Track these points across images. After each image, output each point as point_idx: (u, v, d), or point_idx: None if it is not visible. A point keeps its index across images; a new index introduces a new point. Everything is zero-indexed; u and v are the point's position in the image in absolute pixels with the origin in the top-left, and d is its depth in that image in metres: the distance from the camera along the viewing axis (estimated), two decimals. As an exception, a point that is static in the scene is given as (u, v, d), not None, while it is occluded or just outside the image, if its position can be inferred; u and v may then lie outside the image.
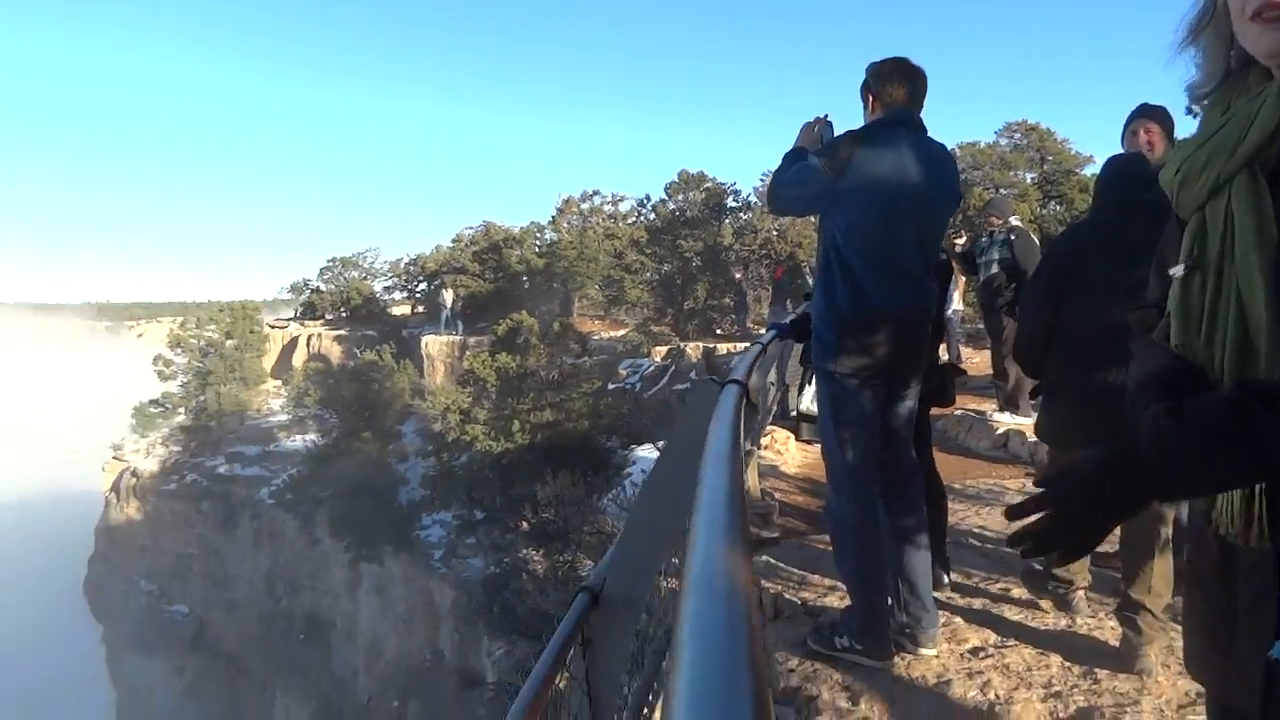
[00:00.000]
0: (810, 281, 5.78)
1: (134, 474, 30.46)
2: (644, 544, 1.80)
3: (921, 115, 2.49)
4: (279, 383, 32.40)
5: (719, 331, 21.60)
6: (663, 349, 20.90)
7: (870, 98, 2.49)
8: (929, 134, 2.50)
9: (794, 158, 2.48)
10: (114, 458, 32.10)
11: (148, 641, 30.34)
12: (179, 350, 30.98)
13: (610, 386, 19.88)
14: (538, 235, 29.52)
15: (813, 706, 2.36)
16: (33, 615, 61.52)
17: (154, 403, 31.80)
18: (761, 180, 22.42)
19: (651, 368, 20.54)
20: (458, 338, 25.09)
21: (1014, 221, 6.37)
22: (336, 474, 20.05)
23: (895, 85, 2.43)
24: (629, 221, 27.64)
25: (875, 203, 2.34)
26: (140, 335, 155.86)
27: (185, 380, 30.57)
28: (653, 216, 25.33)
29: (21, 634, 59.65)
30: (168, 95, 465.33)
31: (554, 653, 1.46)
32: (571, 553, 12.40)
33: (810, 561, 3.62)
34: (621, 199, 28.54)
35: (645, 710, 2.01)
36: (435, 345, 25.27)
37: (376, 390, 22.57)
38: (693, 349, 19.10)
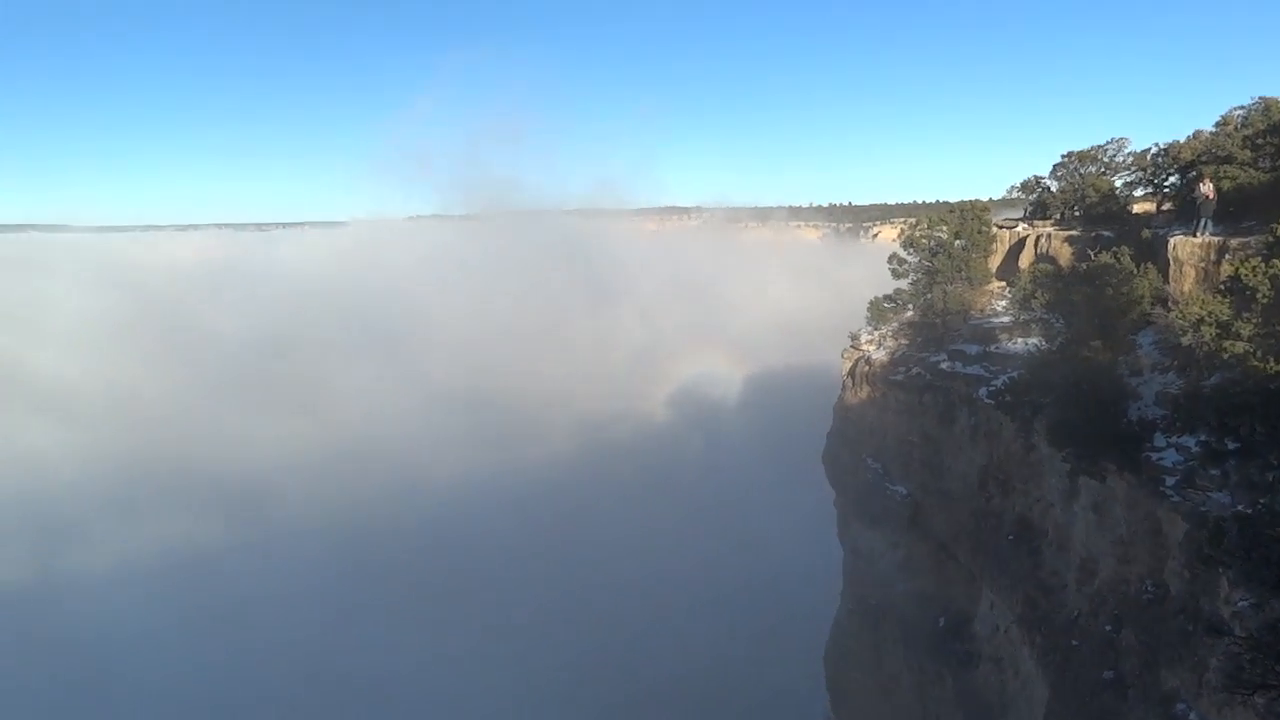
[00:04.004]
0: None
1: (867, 362, 35.47)
2: None
3: None
4: (1003, 284, 33.40)
5: None
6: None
7: None
8: None
9: None
10: (851, 346, 37.80)
11: (871, 513, 35.80)
12: (910, 250, 34.43)
13: None
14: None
15: None
16: (774, 473, 77.58)
17: (887, 298, 36.32)
18: None
19: None
20: (1215, 239, 22.05)
21: None
22: (1059, 381, 20.14)
23: None
24: None
25: None
26: (876, 236, 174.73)
27: (915, 278, 33.96)
28: None
29: (771, 489, 75.98)
30: None
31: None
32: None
33: None
34: None
35: None
36: (1185, 248, 22.63)
37: (1110, 296, 21.55)
38: None
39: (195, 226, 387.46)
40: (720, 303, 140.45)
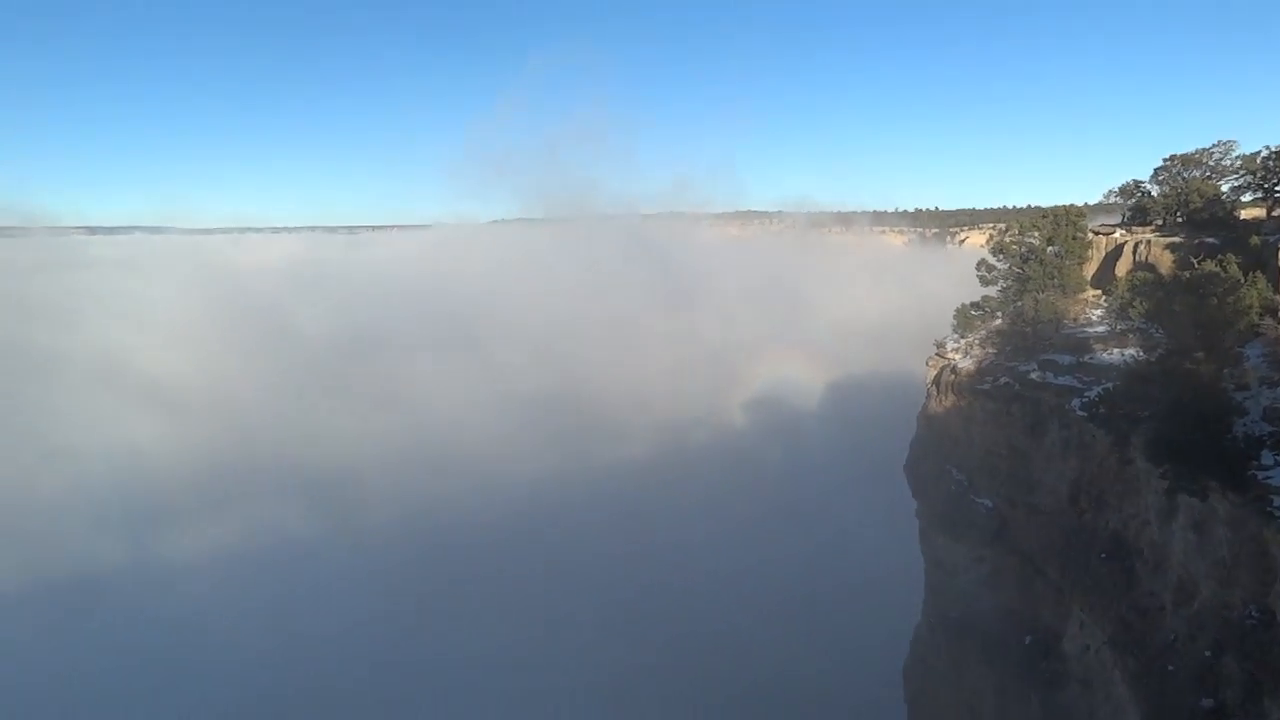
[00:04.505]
0: None
1: (953, 370, 34.73)
2: None
3: None
4: (1099, 292, 32.31)
5: None
6: None
7: None
8: None
9: None
10: (936, 354, 37.07)
11: (955, 525, 34.97)
12: (1000, 256, 33.62)
13: None
14: None
15: None
16: (854, 482, 76.44)
17: (974, 306, 35.54)
18: None
19: None
20: (1336, 245, 20.95)
21: None
22: (1158, 394, 19.47)
23: None
24: None
25: None
26: (963, 241, 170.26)
27: (1004, 285, 33.16)
28: None
29: (851, 497, 74.93)
30: None
31: None
32: None
33: None
34: None
35: None
36: (1300, 254, 21.58)
37: (1215, 306, 20.68)
38: None
39: (289, 229, 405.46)
40: (801, 308, 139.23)
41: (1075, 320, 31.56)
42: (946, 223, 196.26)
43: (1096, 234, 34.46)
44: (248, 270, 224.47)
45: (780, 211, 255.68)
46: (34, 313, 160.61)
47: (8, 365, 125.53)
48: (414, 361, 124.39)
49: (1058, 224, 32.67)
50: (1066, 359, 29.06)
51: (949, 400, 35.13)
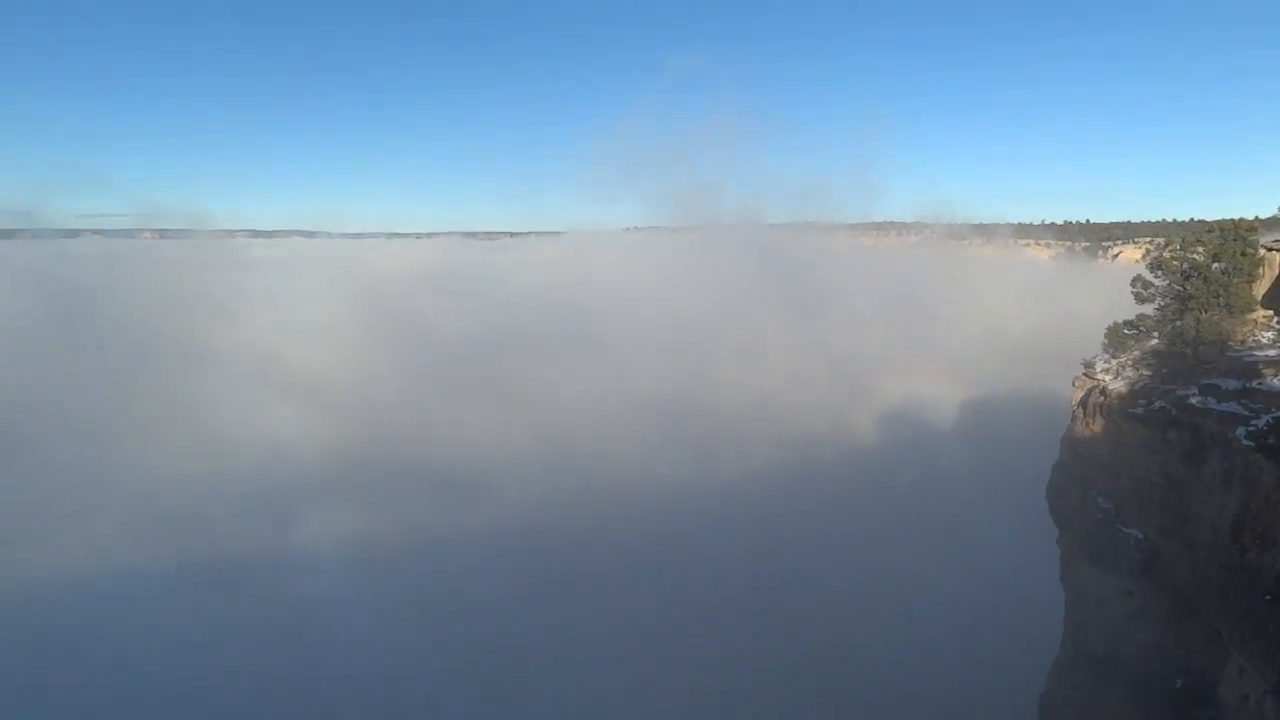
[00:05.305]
0: None
1: (1102, 392, 33.02)
2: None
3: None
4: (1270, 312, 30.04)
5: None
6: None
7: None
8: None
9: None
10: (1084, 374, 35.34)
11: (1100, 556, 33.20)
12: (1158, 272, 31.77)
13: None
14: None
15: None
16: (991, 505, 73.41)
17: (1128, 324, 33.71)
18: None
19: None
20: None
21: None
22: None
23: None
24: None
25: None
26: (1116, 256, 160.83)
27: (1162, 304, 31.32)
28: None
29: (988, 521, 72.05)
30: None
31: None
32: None
33: None
34: None
35: None
36: None
37: None
38: None
39: (433, 235, 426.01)
40: (938, 323, 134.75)
41: (1242, 342, 29.46)
42: (1098, 236, 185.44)
43: (1270, 250, 32.04)
44: (392, 273, 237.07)
45: (918, 222, 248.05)
46: (196, 309, 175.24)
47: (170, 358, 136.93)
48: (544, 365, 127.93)
49: (1225, 239, 30.56)
50: (1231, 384, 27.16)
51: (1097, 424, 33.44)
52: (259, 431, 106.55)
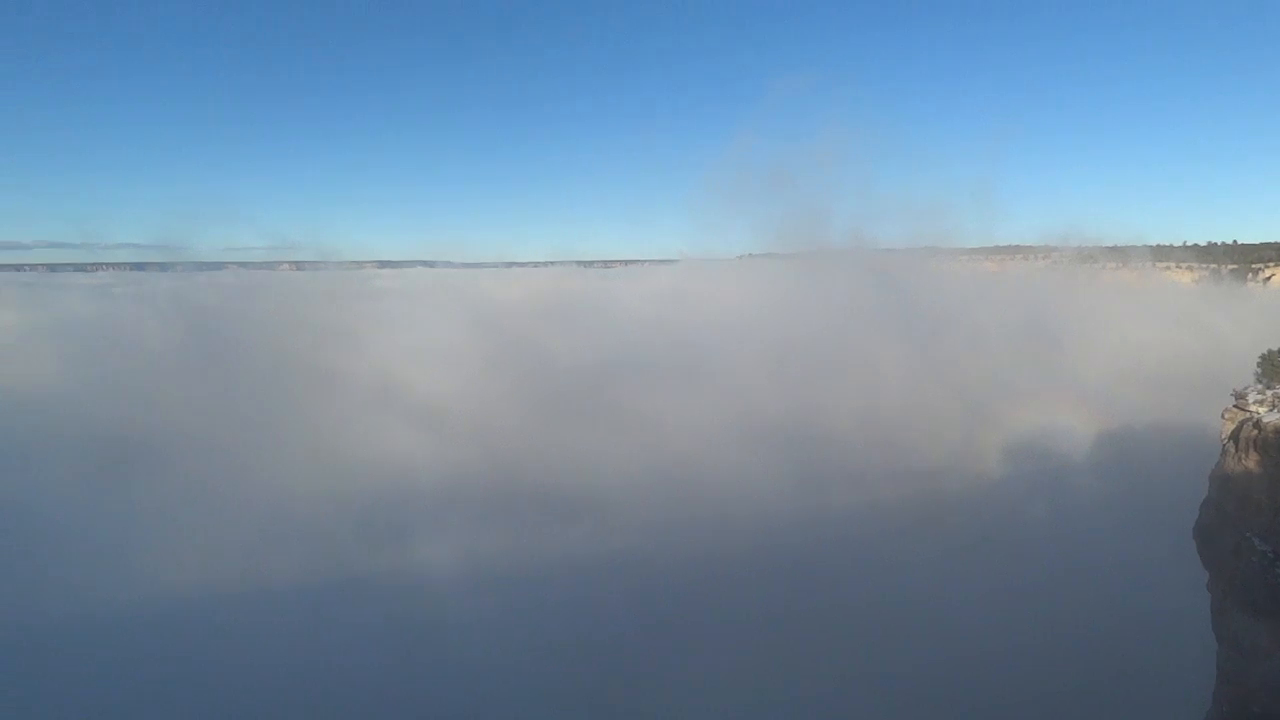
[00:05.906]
0: None
1: (1256, 425, 30.79)
2: None
3: None
4: None
5: None
6: None
7: None
8: None
9: None
10: (1235, 405, 33.03)
11: (1257, 602, 30.73)
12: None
13: None
14: None
15: None
16: (1132, 544, 68.76)
17: (1284, 352, 31.35)
18: None
19: None
20: None
21: None
22: None
23: None
24: None
25: None
26: (1268, 279, 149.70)
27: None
28: None
29: (1127, 562, 67.59)
30: None
31: None
32: None
33: None
34: None
35: None
36: None
37: None
38: None
39: (549, 264, 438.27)
40: (1069, 350, 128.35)
41: None
42: (1247, 257, 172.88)
43: None
44: (509, 301, 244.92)
45: (1045, 245, 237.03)
46: (324, 335, 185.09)
47: (298, 381, 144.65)
48: (657, 391, 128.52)
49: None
50: None
51: (1251, 459, 31.18)
52: (382, 451, 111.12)
